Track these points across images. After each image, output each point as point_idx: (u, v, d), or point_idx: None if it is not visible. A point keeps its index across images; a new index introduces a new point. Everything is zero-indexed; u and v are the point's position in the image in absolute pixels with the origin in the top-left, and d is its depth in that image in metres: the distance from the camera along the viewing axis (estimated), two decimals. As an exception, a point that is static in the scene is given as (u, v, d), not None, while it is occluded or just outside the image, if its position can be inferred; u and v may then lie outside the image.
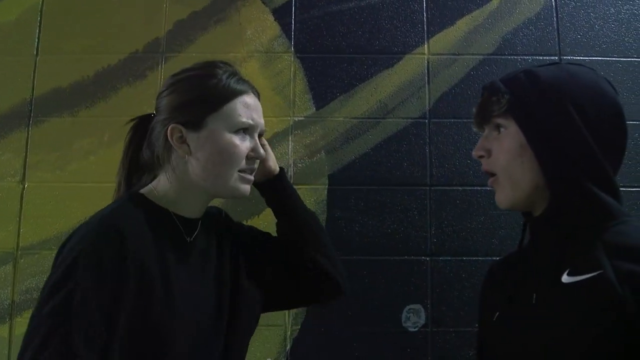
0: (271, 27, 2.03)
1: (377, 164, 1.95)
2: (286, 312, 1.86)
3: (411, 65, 2.00)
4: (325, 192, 1.93)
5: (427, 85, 1.99)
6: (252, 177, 1.08)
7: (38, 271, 1.89)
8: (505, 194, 0.97)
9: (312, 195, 1.93)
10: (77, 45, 2.03)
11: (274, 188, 1.22)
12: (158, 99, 1.08)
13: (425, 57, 2.01)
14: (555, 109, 0.90)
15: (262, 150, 1.07)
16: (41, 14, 2.05)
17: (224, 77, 1.05)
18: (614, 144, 0.92)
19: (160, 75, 2.00)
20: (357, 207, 1.92)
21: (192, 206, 1.07)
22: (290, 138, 1.97)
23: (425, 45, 2.01)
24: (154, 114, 1.09)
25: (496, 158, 0.96)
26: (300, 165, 1.95)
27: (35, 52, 2.03)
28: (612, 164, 0.90)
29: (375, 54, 2.01)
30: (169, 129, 1.02)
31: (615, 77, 1.95)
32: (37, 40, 2.04)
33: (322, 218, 1.91)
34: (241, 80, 1.08)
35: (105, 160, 1.95)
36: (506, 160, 0.94)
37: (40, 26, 2.05)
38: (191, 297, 1.00)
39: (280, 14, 2.03)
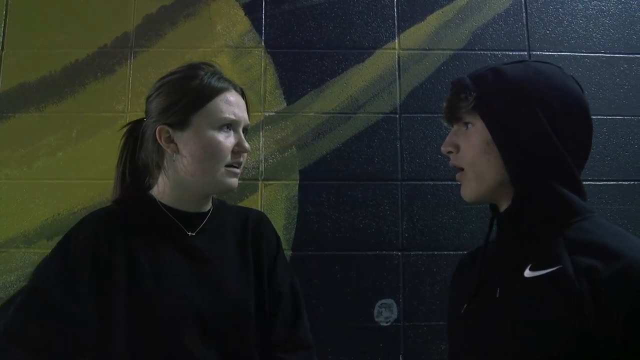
0: (241, 22, 2.02)
1: (348, 159, 1.94)
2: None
3: (382, 60, 2.00)
4: (297, 188, 1.93)
5: (397, 80, 1.99)
6: (239, 171, 1.14)
7: (5, 270, 1.85)
8: (470, 188, 0.98)
9: (284, 191, 1.92)
10: (44, 39, 2.00)
11: None
12: (147, 102, 1.16)
13: (396, 52, 2.01)
14: (520, 106, 0.90)
15: (246, 144, 1.12)
16: (6, 8, 2.01)
17: (205, 77, 1.11)
18: (579, 142, 0.93)
19: (129, 70, 1.97)
20: (328, 203, 1.92)
21: (189, 202, 1.15)
22: (261, 133, 1.96)
23: (396, 41, 2.02)
24: (145, 119, 1.16)
25: (464, 154, 0.97)
26: (271, 160, 1.94)
27: (1, 47, 1.99)
28: (576, 161, 0.92)
29: (346, 49, 2.01)
30: (157, 130, 1.10)
31: (584, 72, 1.98)
32: (2, 34, 2.00)
33: (294, 214, 1.91)
34: (222, 78, 1.14)
35: (74, 156, 1.92)
36: (473, 156, 0.95)
37: (5, 20, 2.01)
38: (188, 284, 1.08)
39: (251, 9, 2.02)
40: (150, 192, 1.17)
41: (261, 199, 1.91)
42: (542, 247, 0.87)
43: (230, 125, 1.11)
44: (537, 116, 0.89)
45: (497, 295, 0.91)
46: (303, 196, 1.92)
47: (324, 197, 1.92)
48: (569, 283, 0.79)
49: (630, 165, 1.95)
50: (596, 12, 2.04)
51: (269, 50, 2.00)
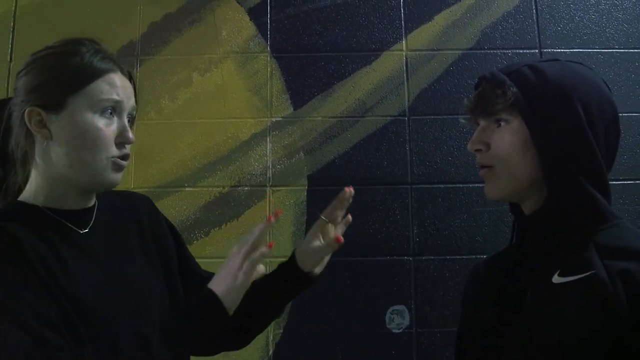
0: (247, 27, 2.01)
1: (357, 164, 1.92)
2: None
3: (389, 62, 1.98)
4: (305, 193, 1.91)
5: (405, 82, 1.96)
6: (124, 163, 0.98)
7: None
8: (499, 186, 0.95)
9: (292, 197, 1.90)
10: (51, 50, 2.01)
11: (305, 283, 1.13)
12: (16, 79, 0.98)
13: (404, 53, 1.98)
14: (563, 106, 0.89)
15: (131, 135, 0.98)
16: (14, 19, 2.03)
17: (87, 54, 0.96)
18: (609, 144, 0.92)
19: (136, 78, 1.96)
20: (337, 208, 1.89)
21: (70, 198, 0.98)
22: (268, 139, 1.94)
23: (403, 42, 1.99)
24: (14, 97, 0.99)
25: (496, 151, 0.94)
26: (279, 166, 1.93)
27: (9, 58, 2.00)
28: (606, 164, 0.91)
29: (353, 51, 1.98)
30: (26, 111, 0.93)
31: (597, 68, 1.93)
32: (10, 45, 2.01)
33: (303, 220, 1.89)
34: (107, 58, 0.98)
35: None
36: (508, 154, 0.93)
37: (13, 31, 2.02)
38: (100, 285, 0.94)
39: (256, 14, 2.01)
40: (22, 196, 0.98)
41: (269, 206, 1.90)
42: (571, 252, 0.87)
43: (112, 110, 0.95)
44: (579, 117, 0.88)
45: (528, 301, 0.89)
46: (312, 202, 1.90)
47: (332, 202, 1.90)
48: (604, 288, 0.79)
49: (647, 164, 1.90)
50: (609, 7, 1.99)
51: (274, 54, 1.99)
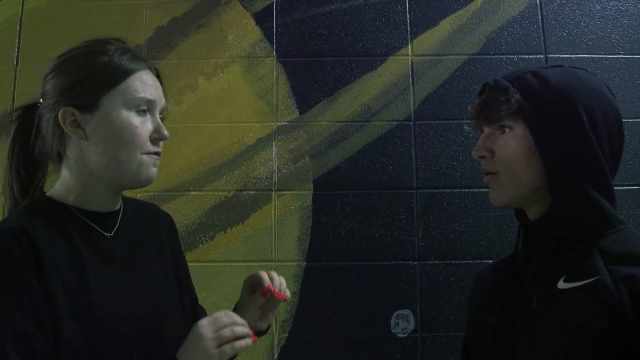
0: (252, 31, 2.01)
1: (363, 168, 1.92)
2: (272, 320, 1.83)
3: (395, 67, 1.98)
4: (311, 198, 1.91)
5: (411, 86, 1.96)
6: (157, 160, 0.99)
7: None
8: (504, 192, 0.96)
9: (297, 201, 1.91)
10: (57, 54, 1.99)
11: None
12: (43, 82, 0.98)
13: (409, 58, 1.98)
14: (566, 113, 0.90)
15: (165, 131, 0.98)
16: (21, 23, 2.03)
17: (116, 53, 0.96)
18: (613, 150, 0.93)
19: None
20: (343, 212, 1.89)
21: (100, 199, 0.98)
22: (274, 143, 1.94)
23: (409, 47, 1.99)
24: (40, 102, 0.98)
25: (501, 158, 0.95)
26: (284, 170, 1.93)
27: (15, 62, 2.00)
28: (611, 169, 0.92)
29: (359, 56, 1.99)
30: (59, 113, 0.93)
31: (602, 74, 1.93)
32: (17, 49, 2.01)
33: (308, 224, 1.89)
34: (137, 57, 0.99)
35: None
36: (512, 161, 0.94)
37: (20, 35, 2.03)
38: (119, 294, 0.93)
39: (262, 18, 2.01)
40: (51, 192, 0.98)
41: (274, 210, 1.90)
42: (576, 258, 0.87)
43: (146, 107, 0.96)
44: (583, 122, 0.89)
45: (534, 306, 0.90)
46: (317, 206, 1.90)
47: (338, 206, 1.90)
48: (609, 294, 0.79)
49: (652, 169, 1.90)
50: (614, 12, 2.00)
51: (280, 59, 1.99)
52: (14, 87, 1.99)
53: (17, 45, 2.02)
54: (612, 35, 1.98)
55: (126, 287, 0.96)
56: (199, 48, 2.00)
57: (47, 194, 0.98)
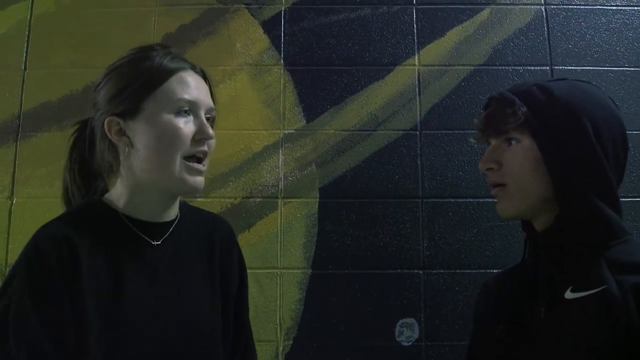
0: (260, 39, 2.02)
1: (369, 177, 1.93)
2: (277, 327, 1.84)
3: (402, 76, 1.99)
4: (317, 206, 1.92)
5: (417, 96, 1.98)
6: (201, 167, 0.95)
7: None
8: (512, 204, 0.97)
9: (303, 209, 1.91)
10: (65, 59, 2.02)
11: None
12: (94, 94, 0.99)
13: (416, 68, 2.00)
14: (572, 125, 0.91)
15: (210, 130, 0.95)
16: (29, 28, 2.04)
17: (157, 57, 0.95)
18: (618, 162, 0.93)
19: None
20: (348, 220, 1.90)
21: (150, 207, 0.97)
22: (280, 151, 1.95)
23: (416, 57, 2.00)
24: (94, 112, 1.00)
25: (508, 170, 0.96)
26: (290, 178, 1.94)
27: (23, 67, 2.01)
28: (616, 180, 0.93)
29: (366, 65, 2.00)
30: (105, 122, 0.94)
31: (607, 86, 1.94)
32: (25, 54, 2.02)
33: (314, 232, 1.90)
34: (177, 57, 0.98)
35: (94, 175, 1.93)
36: (520, 173, 0.94)
37: (28, 40, 2.03)
38: (153, 306, 0.93)
39: (270, 27, 2.02)
40: (104, 197, 1.00)
41: (280, 217, 1.91)
42: (582, 268, 0.88)
43: (187, 108, 0.93)
44: (588, 135, 0.90)
45: (542, 316, 0.90)
46: (323, 214, 1.91)
47: (344, 214, 1.91)
48: (615, 303, 0.80)
49: (657, 182, 1.91)
50: (619, 25, 2.01)
51: (288, 67, 2.00)
52: (22, 92, 1.99)
53: (25, 50, 2.03)
54: (617, 48, 2.00)
55: (163, 299, 0.95)
56: (207, 55, 2.01)
57: (103, 198, 0.99)
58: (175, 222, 1.02)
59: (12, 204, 1.93)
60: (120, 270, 0.91)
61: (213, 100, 1.01)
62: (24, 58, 2.02)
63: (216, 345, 1.00)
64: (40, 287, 0.84)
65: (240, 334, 1.10)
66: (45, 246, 0.86)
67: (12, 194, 1.93)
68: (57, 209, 1.86)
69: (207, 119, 0.97)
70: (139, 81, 0.93)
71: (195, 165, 0.94)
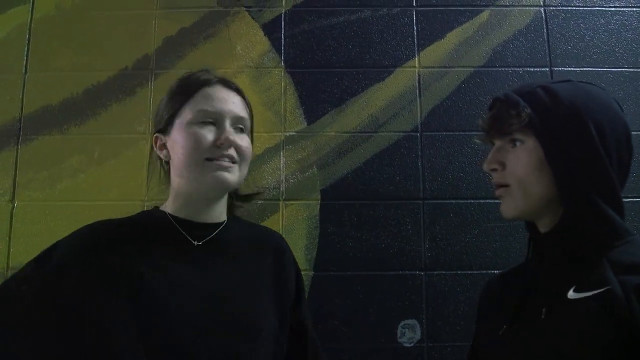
0: (261, 42, 2.02)
1: (370, 178, 1.93)
2: (280, 329, 1.84)
3: (402, 78, 1.99)
4: (318, 208, 1.92)
5: (418, 98, 1.98)
6: (228, 164, 1.02)
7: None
8: (515, 205, 0.97)
9: (305, 211, 1.91)
10: (66, 62, 2.02)
11: None
12: None
13: (416, 70, 2.00)
14: (576, 127, 0.91)
15: (230, 136, 1.02)
16: (30, 32, 2.04)
17: (191, 77, 1.09)
18: (621, 163, 0.94)
19: (150, 92, 1.98)
20: (350, 222, 1.91)
21: (194, 210, 1.07)
22: (281, 153, 1.95)
23: (416, 59, 2.01)
24: None
25: (512, 171, 0.97)
26: (292, 180, 1.94)
27: (24, 70, 2.01)
28: (620, 181, 0.93)
29: (366, 67, 2.00)
30: (153, 139, 1.10)
31: (607, 88, 1.95)
32: (25, 57, 2.02)
33: (315, 234, 1.90)
34: (206, 73, 1.09)
35: (96, 178, 1.93)
36: (524, 174, 0.95)
37: (29, 44, 2.03)
38: (196, 299, 0.99)
39: (270, 29, 2.03)
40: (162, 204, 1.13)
41: (282, 219, 1.91)
42: (586, 269, 0.88)
43: (211, 120, 1.02)
44: (592, 136, 0.90)
45: (543, 316, 0.91)
46: (324, 216, 1.91)
47: (345, 216, 1.91)
48: (618, 304, 0.80)
49: (657, 182, 1.92)
50: (618, 27, 2.02)
51: (288, 70, 2.00)
52: (23, 95, 1.99)
53: (26, 53, 2.02)
54: (616, 49, 2.01)
55: (209, 293, 1.01)
56: (208, 58, 2.01)
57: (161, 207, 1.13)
58: (222, 226, 1.11)
59: (13, 207, 1.92)
60: (155, 260, 1.00)
61: (250, 113, 1.12)
62: (25, 61, 2.02)
63: (265, 341, 1.05)
64: (83, 257, 0.97)
65: (305, 342, 1.19)
66: (83, 231, 1.03)
67: (13, 197, 1.93)
68: (58, 212, 1.89)
69: (239, 129, 1.07)
70: (172, 100, 1.07)
71: (216, 162, 1.02)
